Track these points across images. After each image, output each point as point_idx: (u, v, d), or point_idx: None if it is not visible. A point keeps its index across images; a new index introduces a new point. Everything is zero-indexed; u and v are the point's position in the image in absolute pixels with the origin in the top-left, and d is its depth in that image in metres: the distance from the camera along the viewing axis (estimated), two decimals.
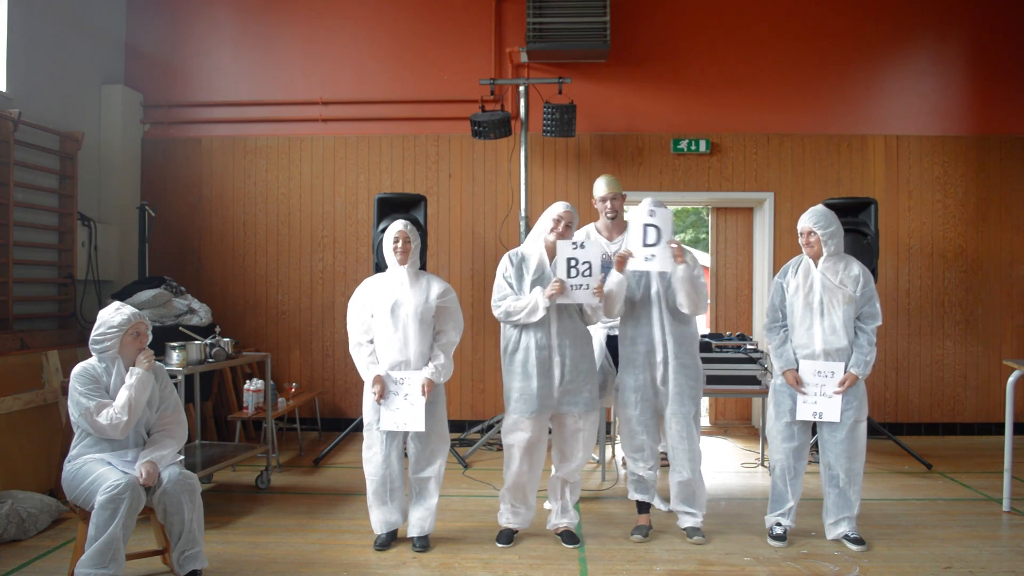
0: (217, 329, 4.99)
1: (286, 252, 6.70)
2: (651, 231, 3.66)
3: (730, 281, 7.10)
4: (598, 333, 4.47)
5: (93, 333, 3.28)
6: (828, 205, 4.24)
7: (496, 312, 3.76)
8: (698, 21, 6.59)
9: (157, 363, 3.44)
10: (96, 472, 3.12)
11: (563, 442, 3.84)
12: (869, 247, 5.34)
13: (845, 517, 3.80)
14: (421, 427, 3.70)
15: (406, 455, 3.88)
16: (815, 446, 4.33)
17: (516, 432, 3.74)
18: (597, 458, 5.17)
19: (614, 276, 3.74)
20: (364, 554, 3.75)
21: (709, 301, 6.11)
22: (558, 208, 3.77)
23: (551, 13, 6.16)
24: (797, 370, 3.80)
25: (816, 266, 3.82)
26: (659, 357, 3.83)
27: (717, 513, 4.33)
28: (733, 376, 5.25)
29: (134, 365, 3.29)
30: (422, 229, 5.22)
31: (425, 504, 3.83)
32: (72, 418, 3.25)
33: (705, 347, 5.09)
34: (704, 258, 8.03)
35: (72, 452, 3.25)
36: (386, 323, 3.75)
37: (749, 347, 5.38)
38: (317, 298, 6.68)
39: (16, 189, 5.22)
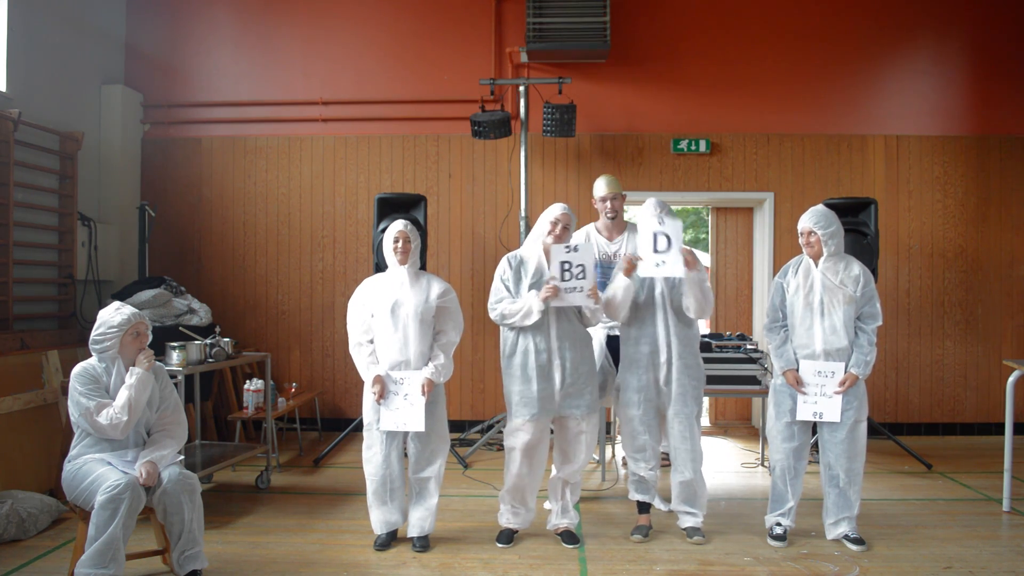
0: (217, 329, 4.99)
1: (286, 252, 6.70)
2: (661, 238, 3.66)
3: (730, 281, 7.10)
4: (598, 333, 4.47)
5: (93, 333, 3.28)
6: (828, 205, 4.23)
7: (492, 315, 3.77)
8: (698, 21, 6.59)
9: (157, 363, 3.44)
10: (96, 472, 3.12)
11: (566, 444, 3.85)
12: (869, 247, 5.34)
13: (845, 517, 3.80)
14: (421, 427, 3.70)
15: (406, 455, 3.88)
16: (815, 446, 4.33)
17: (517, 435, 3.75)
18: (597, 458, 5.16)
19: (621, 281, 3.74)
20: (364, 554, 3.75)
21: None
22: (555, 211, 3.77)
23: (551, 13, 6.16)
24: (797, 370, 3.80)
25: (816, 266, 3.82)
26: (663, 358, 3.83)
27: (717, 513, 4.33)
28: (733, 376, 5.25)
29: (134, 365, 3.29)
30: (422, 229, 5.22)
31: (425, 504, 3.83)
32: (72, 418, 3.25)
33: (705, 347, 5.09)
34: (704, 258, 8.02)
35: (72, 452, 3.25)
36: (386, 323, 3.75)
37: (749, 347, 5.38)
38: (317, 298, 6.68)
39: (16, 189, 5.22)
